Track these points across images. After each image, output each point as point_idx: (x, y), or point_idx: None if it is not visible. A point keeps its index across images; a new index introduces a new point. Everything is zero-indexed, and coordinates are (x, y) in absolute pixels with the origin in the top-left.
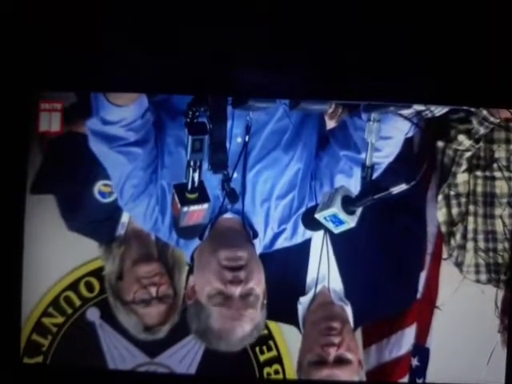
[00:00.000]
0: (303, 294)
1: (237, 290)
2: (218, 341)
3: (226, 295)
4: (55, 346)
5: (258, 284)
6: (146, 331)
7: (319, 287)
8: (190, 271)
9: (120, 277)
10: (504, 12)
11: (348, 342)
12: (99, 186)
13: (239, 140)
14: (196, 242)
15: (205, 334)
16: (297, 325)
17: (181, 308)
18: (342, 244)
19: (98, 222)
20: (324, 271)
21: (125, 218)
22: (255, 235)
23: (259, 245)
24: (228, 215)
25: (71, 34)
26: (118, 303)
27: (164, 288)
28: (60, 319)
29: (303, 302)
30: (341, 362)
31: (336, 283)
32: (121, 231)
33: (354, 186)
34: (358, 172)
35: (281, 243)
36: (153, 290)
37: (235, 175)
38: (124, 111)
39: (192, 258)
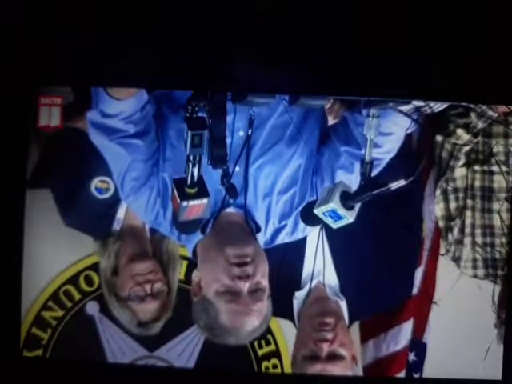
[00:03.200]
0: (299, 288)
1: (245, 286)
2: (228, 335)
3: (234, 291)
4: (55, 340)
5: (263, 276)
6: (140, 327)
7: (314, 282)
8: (192, 266)
9: (115, 272)
10: (503, 8)
11: (341, 337)
12: (96, 182)
13: (241, 134)
14: (197, 236)
15: (214, 329)
16: (292, 319)
17: (175, 303)
18: (337, 239)
19: (94, 217)
20: (319, 266)
21: (120, 213)
22: (258, 229)
23: (261, 240)
24: (230, 209)
25: (71, 30)
26: (112, 298)
27: (158, 285)
28: (60, 313)
29: (298, 296)
30: (334, 357)
31: (331, 278)
32: (116, 227)
33: (354, 181)
34: (358, 168)
35: (282, 239)
36: (147, 287)
37: (237, 169)
38: (123, 104)
39: (194, 253)
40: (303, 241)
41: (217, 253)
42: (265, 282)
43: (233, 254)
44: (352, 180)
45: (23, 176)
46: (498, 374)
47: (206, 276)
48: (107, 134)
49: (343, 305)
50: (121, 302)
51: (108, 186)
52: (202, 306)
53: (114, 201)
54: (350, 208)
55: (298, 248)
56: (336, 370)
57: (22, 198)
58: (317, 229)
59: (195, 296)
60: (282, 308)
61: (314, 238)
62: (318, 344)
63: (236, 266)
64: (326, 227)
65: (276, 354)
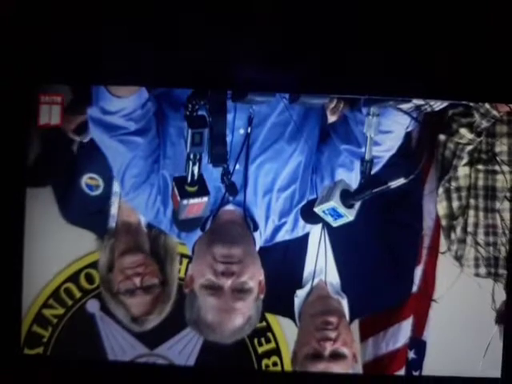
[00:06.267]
0: (300, 287)
1: (228, 282)
2: (209, 332)
3: (217, 286)
4: (55, 338)
5: (251, 278)
6: (134, 322)
7: (316, 280)
8: (190, 261)
9: (110, 269)
10: (503, 6)
11: (344, 336)
12: (86, 179)
13: (242, 132)
14: (197, 234)
15: (197, 324)
16: (293, 317)
17: (174, 298)
18: (339, 237)
19: (90, 214)
20: (321, 264)
21: (114, 210)
22: (255, 228)
23: (260, 239)
24: (229, 207)
25: (71, 28)
26: (107, 295)
27: (149, 278)
28: (60, 311)
29: (300, 295)
30: (336, 356)
31: (333, 276)
32: (112, 223)
33: (354, 179)
34: (358, 166)
35: (282, 236)
36: (137, 280)
37: (237, 167)
38: (123, 102)
39: (193, 250)
40: (305, 239)
41: (206, 249)
42: (252, 284)
43: (220, 254)
44: (352, 178)
45: (24, 174)
46: (497, 372)
47: (195, 270)
48: (108, 131)
49: (344, 303)
50: (114, 297)
51: (97, 182)
52: (190, 298)
53: (105, 197)
54: (350, 206)
55: (299, 246)
56: (338, 368)
57: (22, 196)
58: (318, 227)
59: (186, 288)
60: (282, 306)
61: (316, 237)
62: (321, 343)
63: (221, 264)
64: (328, 225)
65: (276, 351)
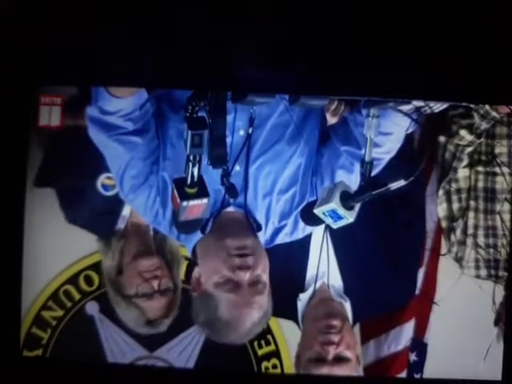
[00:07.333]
0: (303, 290)
1: (245, 276)
2: (227, 330)
3: (234, 282)
4: (55, 340)
5: (264, 271)
6: (148, 325)
7: (319, 283)
8: (191, 265)
9: (120, 271)
10: (503, 6)
11: (347, 340)
12: (102, 178)
13: (242, 133)
14: (197, 236)
15: (213, 324)
16: (296, 321)
17: (180, 302)
18: (341, 240)
19: (99, 214)
20: (324, 267)
21: (126, 211)
22: (259, 228)
23: (261, 240)
24: (230, 209)
25: (71, 28)
26: (118, 298)
27: (165, 281)
28: (59, 313)
29: (303, 298)
30: (340, 360)
31: (335, 279)
32: (121, 225)
33: (354, 181)
34: (358, 168)
35: (281, 238)
36: (155, 284)
37: (237, 168)
38: (122, 102)
39: (194, 252)
40: (307, 242)
41: (217, 246)
42: (265, 277)
43: (233, 246)
44: (352, 180)
45: (24, 174)
46: (498, 375)
47: (206, 270)
48: (106, 131)
49: (347, 306)
50: (127, 300)
51: (114, 182)
52: (202, 300)
53: (120, 198)
54: (350, 208)
55: (302, 249)
56: (341, 372)
57: (22, 198)
58: (319, 230)
59: (194, 291)
60: (285, 309)
61: (319, 239)
62: (324, 347)
63: (236, 257)
64: (330, 228)
65: (276, 354)
